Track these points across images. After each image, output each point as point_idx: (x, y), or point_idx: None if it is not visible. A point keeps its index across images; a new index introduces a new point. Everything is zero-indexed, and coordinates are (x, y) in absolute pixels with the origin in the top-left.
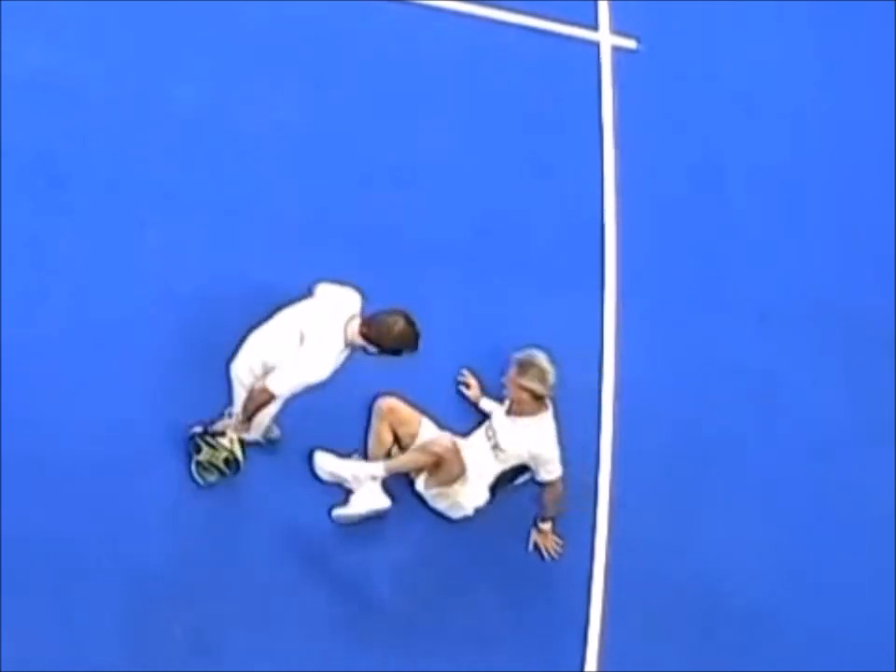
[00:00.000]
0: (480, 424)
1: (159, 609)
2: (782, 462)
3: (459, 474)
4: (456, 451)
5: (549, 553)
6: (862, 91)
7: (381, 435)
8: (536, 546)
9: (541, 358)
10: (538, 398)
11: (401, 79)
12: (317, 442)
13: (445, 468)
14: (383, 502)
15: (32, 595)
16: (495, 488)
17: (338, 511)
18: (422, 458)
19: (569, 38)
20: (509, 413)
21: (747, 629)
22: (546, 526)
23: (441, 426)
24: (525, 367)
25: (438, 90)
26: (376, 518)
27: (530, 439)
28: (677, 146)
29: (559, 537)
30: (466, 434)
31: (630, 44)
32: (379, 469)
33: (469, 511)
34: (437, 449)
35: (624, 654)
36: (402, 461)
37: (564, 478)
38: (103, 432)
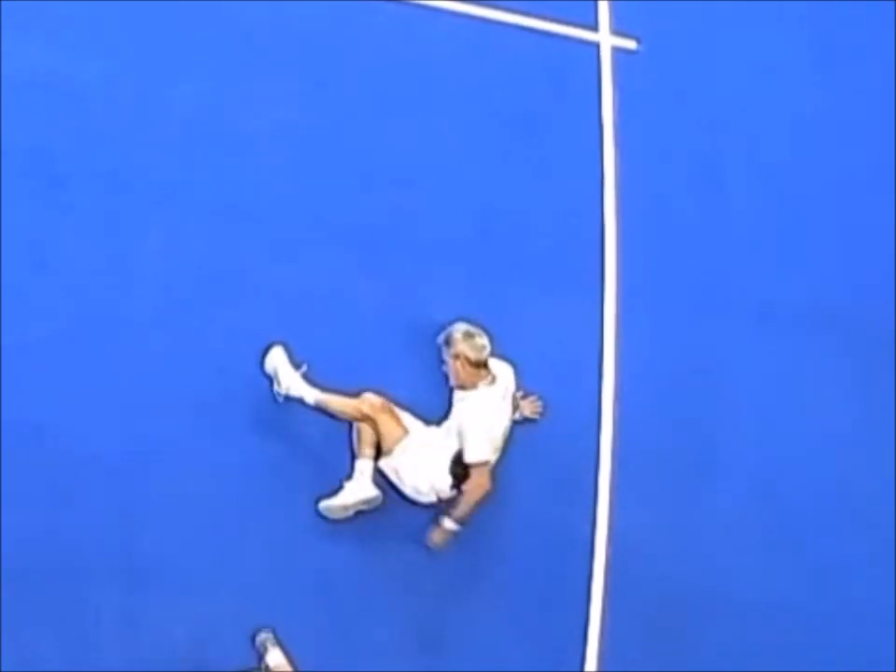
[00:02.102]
0: None
1: (159, 610)
2: (782, 462)
3: (400, 435)
4: (387, 410)
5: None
6: (862, 91)
7: (363, 430)
8: (434, 541)
9: (464, 327)
10: (473, 365)
11: (401, 79)
12: (306, 443)
13: (384, 429)
14: (370, 492)
15: (32, 595)
16: (458, 478)
17: (325, 503)
18: (349, 405)
19: (569, 38)
20: (454, 388)
21: (747, 629)
22: (450, 525)
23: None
24: (450, 340)
25: (438, 90)
26: (367, 511)
27: (461, 411)
28: (676, 146)
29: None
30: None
31: (630, 44)
32: (311, 396)
33: (430, 494)
34: (364, 407)
35: (624, 654)
36: (332, 399)
37: (492, 474)
38: (102, 431)
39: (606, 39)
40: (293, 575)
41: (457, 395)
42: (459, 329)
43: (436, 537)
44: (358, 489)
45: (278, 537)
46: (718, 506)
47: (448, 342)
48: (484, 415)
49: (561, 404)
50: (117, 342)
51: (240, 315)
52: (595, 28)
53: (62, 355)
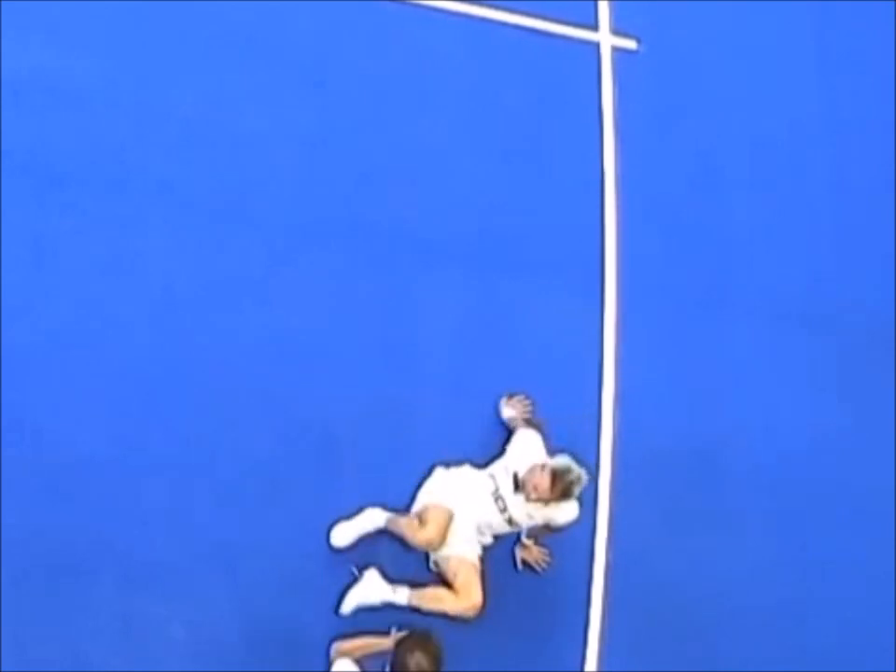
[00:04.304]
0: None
1: (158, 609)
2: (783, 464)
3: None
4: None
5: (539, 566)
6: (862, 91)
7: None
8: (525, 563)
9: (573, 465)
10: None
11: (401, 79)
12: (307, 443)
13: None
14: (378, 519)
15: (32, 594)
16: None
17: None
18: (447, 607)
19: (569, 38)
20: (526, 497)
21: (745, 629)
22: (529, 541)
23: (437, 431)
24: (560, 475)
25: (438, 90)
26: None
27: (553, 515)
28: (676, 146)
29: (542, 546)
30: (464, 463)
31: (630, 44)
32: (403, 597)
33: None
34: (467, 608)
35: (624, 654)
36: (428, 599)
37: None
38: (102, 431)
39: (606, 39)
40: (293, 574)
41: (539, 503)
42: (573, 470)
43: (528, 555)
44: (370, 517)
45: (277, 537)
46: (718, 507)
47: (557, 478)
48: (575, 506)
49: (561, 405)
50: (117, 342)
51: (239, 314)
52: (595, 28)
53: (62, 355)
